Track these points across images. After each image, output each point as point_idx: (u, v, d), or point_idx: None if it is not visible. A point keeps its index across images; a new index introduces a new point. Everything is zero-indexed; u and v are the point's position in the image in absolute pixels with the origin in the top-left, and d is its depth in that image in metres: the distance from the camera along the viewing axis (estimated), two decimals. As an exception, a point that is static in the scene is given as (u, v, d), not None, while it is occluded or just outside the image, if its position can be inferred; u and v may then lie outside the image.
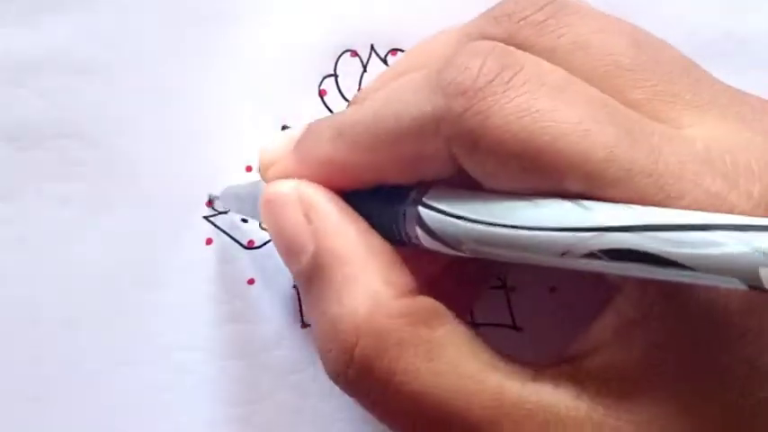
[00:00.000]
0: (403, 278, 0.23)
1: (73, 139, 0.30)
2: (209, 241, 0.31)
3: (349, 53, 0.31)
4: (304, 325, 0.31)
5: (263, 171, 0.26)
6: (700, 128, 0.22)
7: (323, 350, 0.24)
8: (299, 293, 0.31)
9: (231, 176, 0.31)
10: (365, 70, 0.32)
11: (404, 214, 0.23)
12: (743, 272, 0.18)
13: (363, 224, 0.24)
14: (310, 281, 0.24)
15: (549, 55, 0.22)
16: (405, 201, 0.23)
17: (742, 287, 0.18)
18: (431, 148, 0.22)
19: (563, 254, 0.20)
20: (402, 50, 0.32)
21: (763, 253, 0.17)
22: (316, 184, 0.24)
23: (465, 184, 0.22)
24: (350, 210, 0.24)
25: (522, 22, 0.23)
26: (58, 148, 0.30)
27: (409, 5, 0.31)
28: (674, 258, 0.18)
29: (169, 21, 0.31)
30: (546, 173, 0.21)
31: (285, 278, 0.31)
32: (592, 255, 0.19)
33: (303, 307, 0.25)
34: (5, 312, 0.30)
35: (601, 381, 0.21)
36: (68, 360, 0.30)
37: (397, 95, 0.23)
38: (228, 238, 0.31)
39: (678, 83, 0.23)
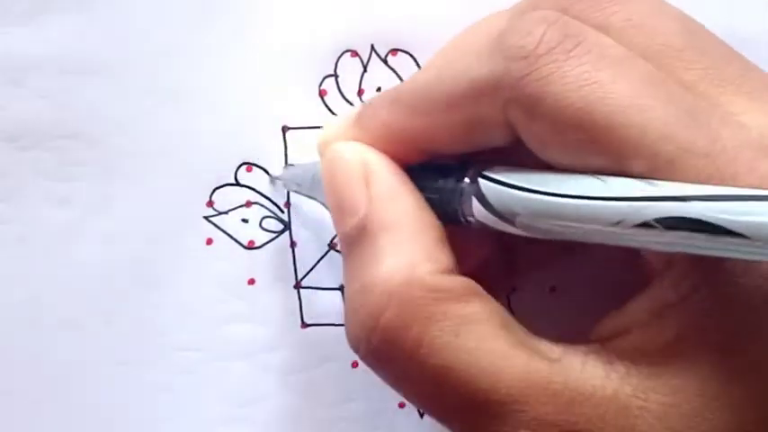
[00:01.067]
0: (444, 256, 0.23)
1: (73, 139, 0.30)
2: (209, 241, 0.31)
3: (349, 53, 0.31)
4: (304, 325, 0.31)
5: (322, 147, 0.26)
6: (752, 115, 0.22)
7: (349, 313, 0.24)
8: (299, 294, 0.31)
9: (231, 176, 0.31)
10: (365, 70, 0.32)
11: (461, 190, 0.23)
12: None
13: (418, 197, 0.24)
14: (355, 242, 0.24)
15: (603, 30, 0.22)
16: (464, 176, 0.23)
17: None
18: (487, 111, 0.22)
19: (617, 222, 0.20)
20: (402, 50, 0.32)
21: None
22: (380, 152, 0.24)
23: (520, 161, 0.22)
24: (408, 181, 0.24)
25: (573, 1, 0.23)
26: (58, 148, 0.30)
27: (409, 5, 0.31)
28: (730, 226, 0.18)
29: (169, 21, 0.31)
30: (602, 145, 0.21)
31: (285, 278, 0.31)
32: (646, 224, 0.19)
33: (343, 271, 0.24)
34: (5, 312, 0.30)
35: (631, 361, 0.21)
36: (68, 360, 0.30)
37: (454, 59, 0.23)
38: (228, 238, 0.31)
39: (728, 69, 0.23)
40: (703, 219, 0.19)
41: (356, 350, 0.23)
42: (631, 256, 0.23)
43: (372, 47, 0.32)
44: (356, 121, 0.25)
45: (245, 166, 0.31)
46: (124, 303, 0.31)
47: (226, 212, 0.31)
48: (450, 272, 0.23)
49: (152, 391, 0.31)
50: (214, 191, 0.31)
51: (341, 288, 0.31)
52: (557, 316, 0.29)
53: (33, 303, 0.30)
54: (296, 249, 0.31)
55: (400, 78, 0.32)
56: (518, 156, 0.23)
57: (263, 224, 0.31)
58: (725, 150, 0.20)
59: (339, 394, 0.31)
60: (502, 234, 0.23)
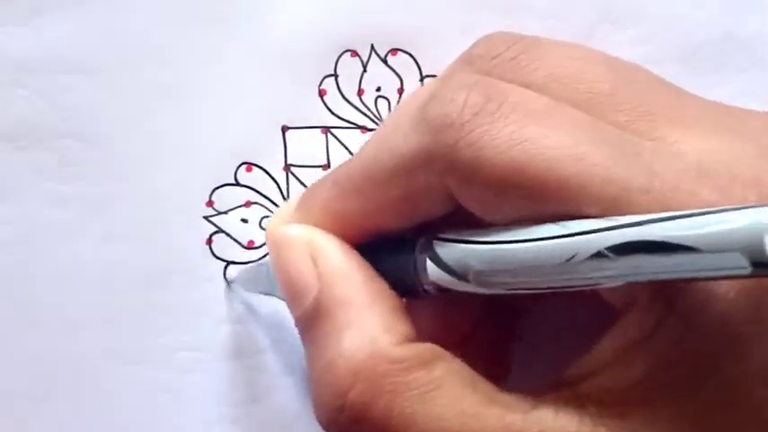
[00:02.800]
0: (404, 325, 0.23)
1: (73, 139, 0.30)
2: (209, 241, 0.31)
3: (349, 53, 0.31)
4: (304, 325, 0.31)
5: (269, 236, 0.26)
6: (688, 143, 0.22)
7: (316, 394, 0.23)
8: (298, 293, 0.31)
9: (231, 176, 0.31)
10: (365, 70, 0.32)
11: (415, 259, 0.23)
12: (748, 244, 0.17)
13: (369, 270, 0.24)
14: (312, 323, 0.24)
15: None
16: (414, 245, 0.23)
17: (746, 269, 0.18)
18: (423, 184, 0.22)
19: (571, 257, 0.20)
20: (402, 50, 0.32)
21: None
22: (324, 231, 0.24)
23: (463, 225, 0.22)
24: (357, 256, 0.24)
25: (494, 61, 0.23)
26: (58, 148, 0.30)
27: (409, 5, 0.31)
28: (680, 242, 0.18)
29: (169, 21, 0.31)
30: (545, 199, 0.20)
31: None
32: (599, 255, 0.19)
33: (304, 353, 0.25)
34: (5, 312, 0.30)
35: (602, 403, 0.21)
36: (68, 360, 0.30)
37: (384, 138, 0.23)
38: (228, 238, 0.31)
39: (658, 102, 0.23)
40: (653, 239, 0.19)
41: (326, 430, 0.23)
42: (594, 302, 0.23)
43: (372, 47, 0.32)
44: (298, 207, 0.25)
45: (244, 166, 0.31)
46: (124, 303, 0.31)
47: (225, 212, 0.31)
48: (411, 339, 0.23)
49: (152, 391, 0.30)
50: (214, 191, 0.31)
51: (341, 288, 0.31)
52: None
53: (33, 303, 0.30)
54: (296, 249, 0.31)
55: (400, 78, 0.32)
56: (461, 224, 0.23)
57: (263, 224, 0.31)
58: (664, 182, 0.20)
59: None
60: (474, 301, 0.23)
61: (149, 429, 0.30)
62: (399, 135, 0.23)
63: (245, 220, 0.31)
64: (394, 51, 0.32)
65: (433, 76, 0.32)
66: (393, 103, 0.32)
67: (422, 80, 0.32)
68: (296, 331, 0.31)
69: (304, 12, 0.31)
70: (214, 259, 0.31)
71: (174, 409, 0.31)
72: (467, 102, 0.21)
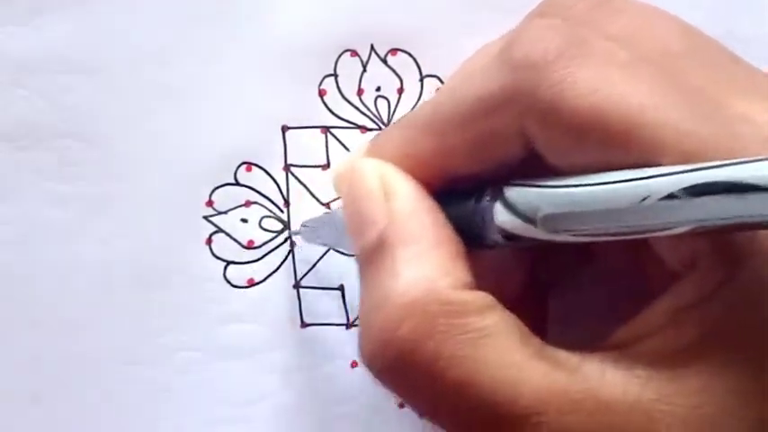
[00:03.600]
0: (463, 272, 0.23)
1: (73, 139, 0.30)
2: (209, 241, 0.31)
3: (349, 53, 0.31)
4: (304, 325, 0.31)
5: (337, 180, 0.26)
6: (763, 115, 0.22)
7: (364, 327, 0.23)
8: (299, 294, 0.31)
9: (231, 176, 0.31)
10: (365, 70, 0.32)
11: (484, 208, 0.23)
12: None
13: (438, 212, 0.24)
14: (372, 257, 0.23)
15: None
16: (484, 194, 0.23)
17: None
18: (500, 125, 0.22)
19: (644, 199, 0.20)
20: (402, 50, 0.32)
21: None
22: (398, 169, 0.24)
23: (534, 174, 0.22)
24: (428, 198, 0.24)
25: (570, 11, 0.24)
26: (58, 148, 0.30)
27: (409, 5, 0.31)
28: (753, 182, 0.18)
29: (169, 21, 0.31)
30: (622, 146, 0.20)
31: (285, 278, 0.31)
32: (671, 196, 0.19)
33: (359, 285, 0.24)
34: (5, 312, 0.30)
35: (651, 366, 0.21)
36: (68, 360, 0.30)
37: (461, 80, 0.23)
38: (227, 238, 0.31)
39: (731, 70, 0.23)
40: (727, 180, 0.19)
41: (370, 365, 0.23)
42: (650, 264, 0.23)
43: (372, 46, 0.32)
44: (369, 149, 0.25)
45: (244, 166, 0.31)
46: (124, 303, 0.31)
47: (225, 212, 0.31)
48: (468, 287, 0.23)
49: (152, 391, 0.31)
50: (214, 190, 0.31)
51: (341, 288, 0.31)
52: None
53: (33, 303, 0.30)
54: (296, 249, 0.31)
55: (400, 78, 0.32)
56: (532, 173, 0.22)
57: (263, 224, 0.31)
58: (746, 148, 0.20)
59: (339, 394, 0.31)
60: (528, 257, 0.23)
61: (149, 429, 0.30)
62: (478, 76, 0.22)
63: (244, 220, 0.31)
64: (394, 51, 0.32)
65: (434, 76, 0.32)
66: (393, 103, 0.32)
67: (421, 80, 0.32)
68: (297, 330, 0.31)
69: (304, 12, 0.31)
70: (214, 259, 0.31)
71: (174, 409, 0.31)
72: (551, 43, 0.21)
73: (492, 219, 0.23)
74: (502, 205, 0.22)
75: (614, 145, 0.21)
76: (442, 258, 0.23)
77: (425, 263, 0.23)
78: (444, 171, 0.24)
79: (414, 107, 0.32)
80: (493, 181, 0.23)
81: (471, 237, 0.24)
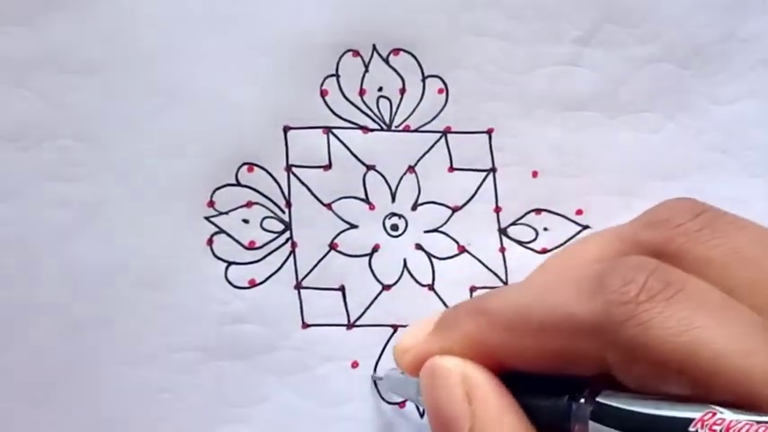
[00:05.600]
0: None
1: (73, 139, 0.30)
2: (209, 241, 0.31)
3: (351, 53, 0.31)
4: (304, 325, 0.31)
5: (399, 357, 0.26)
6: None
7: None
8: (299, 294, 0.31)
9: (232, 176, 0.31)
10: (367, 70, 0.31)
11: (574, 410, 0.23)
12: None
13: (522, 416, 0.24)
14: None
15: (705, 264, 0.23)
16: (575, 395, 0.23)
17: None
18: (584, 348, 0.22)
19: None
20: (404, 50, 0.31)
21: None
22: (479, 366, 0.24)
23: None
24: (509, 396, 0.24)
25: (676, 230, 0.24)
26: (58, 148, 0.30)
27: (411, 6, 0.31)
28: None
29: (169, 21, 0.31)
30: (706, 388, 0.21)
31: (286, 278, 0.31)
32: None
33: None
34: (5, 312, 0.30)
35: None
36: (68, 360, 0.30)
37: (553, 289, 0.23)
38: (228, 238, 0.31)
39: None
40: None
41: None
42: None
43: (374, 46, 0.31)
44: (438, 328, 0.26)
45: (245, 167, 0.31)
46: (124, 303, 0.30)
47: (226, 213, 0.31)
48: None
49: (152, 391, 0.30)
50: (215, 191, 0.31)
51: (341, 288, 0.31)
52: None
53: (33, 303, 0.30)
54: (296, 250, 0.31)
55: (402, 78, 0.32)
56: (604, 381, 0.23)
57: (264, 224, 0.31)
58: None
59: (339, 394, 0.31)
60: None
61: (149, 429, 0.30)
62: (570, 294, 0.23)
63: (246, 221, 0.31)
64: (396, 51, 0.31)
65: (436, 76, 0.32)
66: (395, 104, 0.32)
67: (423, 80, 0.32)
68: (297, 331, 0.31)
69: (306, 12, 0.31)
70: (215, 259, 0.31)
71: (174, 409, 0.31)
72: (646, 283, 0.22)
73: (584, 424, 0.23)
74: (594, 417, 0.23)
75: (698, 386, 0.21)
76: None
77: None
78: (514, 364, 0.24)
79: (414, 110, 0.32)
80: (582, 381, 0.23)
81: (549, 427, 0.24)
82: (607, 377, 0.23)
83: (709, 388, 0.21)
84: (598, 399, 0.23)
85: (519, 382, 0.24)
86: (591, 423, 0.23)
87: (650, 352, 0.21)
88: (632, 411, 0.22)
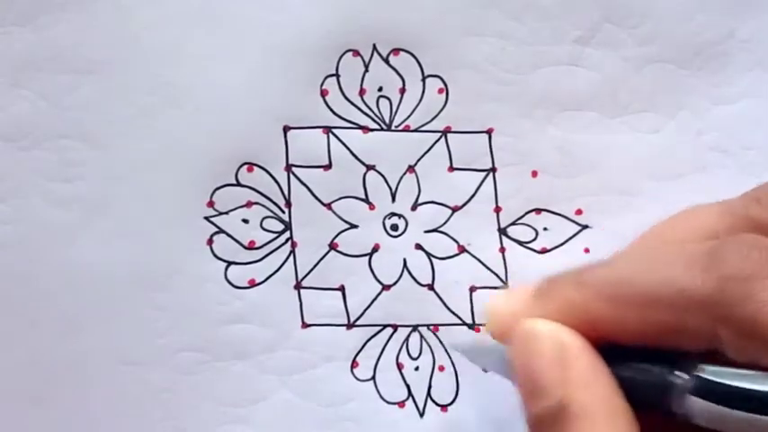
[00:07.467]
0: None
1: (73, 139, 0.30)
2: (209, 241, 0.31)
3: (351, 53, 0.31)
4: (304, 325, 0.31)
5: (492, 321, 0.26)
6: None
7: None
8: (299, 294, 0.31)
9: (232, 176, 0.31)
10: (367, 70, 0.31)
11: (674, 382, 0.23)
12: None
13: (614, 384, 0.24)
14: (546, 426, 0.24)
15: None
16: (675, 367, 0.23)
17: None
18: (692, 322, 0.22)
19: None
20: (404, 50, 0.31)
21: None
22: (573, 331, 0.24)
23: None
24: (602, 365, 0.24)
25: None
26: (58, 148, 0.30)
27: (411, 5, 0.31)
28: None
29: (169, 21, 0.31)
30: None
31: (286, 278, 0.31)
32: None
33: None
34: (5, 312, 0.30)
35: None
36: (68, 360, 0.30)
37: (660, 261, 0.23)
38: (228, 238, 0.31)
39: None
40: None
41: None
42: None
43: (374, 46, 0.31)
44: (538, 294, 0.25)
45: (245, 166, 0.31)
46: (124, 303, 0.31)
47: (226, 213, 0.31)
48: None
49: (152, 391, 0.31)
50: (215, 191, 0.31)
51: (341, 288, 0.31)
52: None
53: (33, 303, 0.30)
54: (296, 249, 0.31)
55: (402, 78, 0.31)
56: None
57: (264, 224, 0.31)
58: None
59: (339, 394, 0.31)
60: None
61: (149, 430, 0.31)
62: (680, 267, 0.23)
63: (246, 221, 0.31)
64: (396, 51, 0.31)
65: (436, 76, 0.32)
66: (395, 103, 0.32)
67: (423, 80, 0.32)
68: (297, 331, 0.31)
69: (306, 11, 0.31)
70: (215, 260, 0.31)
71: (174, 409, 0.31)
72: (761, 261, 0.22)
73: (682, 396, 0.23)
74: (698, 392, 0.22)
75: None
76: None
77: None
78: (615, 337, 0.24)
79: (414, 110, 0.32)
80: (680, 353, 0.23)
81: (643, 399, 0.24)
82: (706, 353, 0.22)
83: None
84: (700, 374, 0.23)
85: (615, 354, 0.24)
86: (693, 398, 0.22)
87: (765, 330, 0.21)
88: (739, 387, 0.22)
